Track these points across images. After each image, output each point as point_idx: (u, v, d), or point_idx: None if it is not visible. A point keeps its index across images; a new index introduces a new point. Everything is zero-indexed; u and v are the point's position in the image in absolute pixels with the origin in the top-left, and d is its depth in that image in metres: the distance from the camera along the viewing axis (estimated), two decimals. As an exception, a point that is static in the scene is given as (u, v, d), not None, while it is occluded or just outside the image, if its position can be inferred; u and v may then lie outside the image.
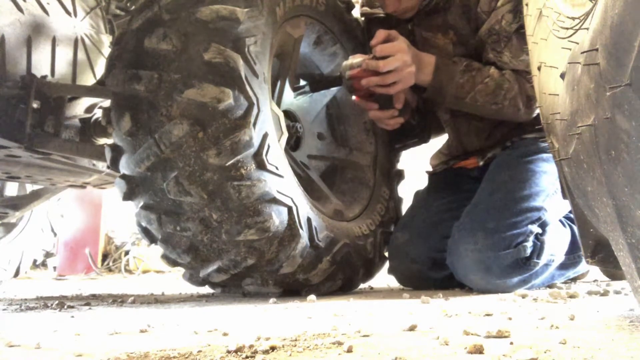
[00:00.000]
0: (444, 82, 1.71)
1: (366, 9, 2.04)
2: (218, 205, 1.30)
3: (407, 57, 1.64)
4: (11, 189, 2.72)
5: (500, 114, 1.77)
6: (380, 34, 1.65)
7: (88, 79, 1.91)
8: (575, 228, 1.74)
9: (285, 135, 1.51)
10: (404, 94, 1.77)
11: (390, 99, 1.74)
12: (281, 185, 1.37)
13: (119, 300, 1.61)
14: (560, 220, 1.73)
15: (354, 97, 1.82)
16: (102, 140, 1.84)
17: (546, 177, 1.67)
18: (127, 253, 5.04)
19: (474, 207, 1.67)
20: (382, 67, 1.61)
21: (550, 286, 1.70)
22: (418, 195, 2.05)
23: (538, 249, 1.56)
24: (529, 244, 1.54)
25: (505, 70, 1.73)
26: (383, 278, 1.95)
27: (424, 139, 2.00)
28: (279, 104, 1.70)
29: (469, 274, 1.58)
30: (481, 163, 1.90)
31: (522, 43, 1.67)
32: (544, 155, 1.72)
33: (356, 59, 1.66)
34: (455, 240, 1.62)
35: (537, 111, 1.72)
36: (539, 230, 1.59)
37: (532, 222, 1.58)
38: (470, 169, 1.96)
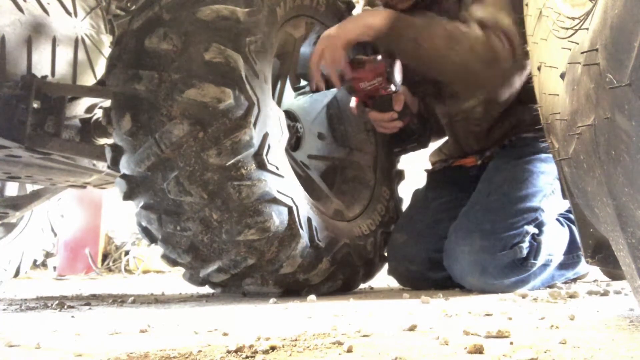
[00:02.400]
0: (400, 26, 1.60)
1: (367, 8, 2.03)
2: (218, 205, 1.30)
3: (324, 35, 1.63)
4: (11, 189, 2.72)
5: (476, 60, 1.58)
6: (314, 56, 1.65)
7: (88, 79, 1.91)
8: (573, 227, 1.75)
9: (286, 135, 1.51)
10: (403, 97, 1.77)
11: (389, 101, 1.74)
12: (281, 185, 1.37)
13: (119, 300, 1.61)
14: (559, 220, 1.73)
15: (353, 98, 1.82)
16: (102, 140, 1.84)
17: (543, 178, 1.66)
18: (127, 253, 5.05)
19: (471, 208, 1.66)
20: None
21: (551, 286, 1.70)
22: (416, 194, 2.04)
23: (535, 250, 1.56)
24: (525, 245, 1.54)
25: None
26: (383, 278, 1.94)
27: (423, 144, 1.99)
28: (279, 104, 1.70)
29: (465, 275, 1.58)
30: (479, 162, 1.90)
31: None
32: (542, 156, 1.71)
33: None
34: (452, 242, 1.62)
35: (536, 108, 1.71)
36: (536, 231, 1.58)
37: (529, 223, 1.57)
38: (468, 167, 1.96)
